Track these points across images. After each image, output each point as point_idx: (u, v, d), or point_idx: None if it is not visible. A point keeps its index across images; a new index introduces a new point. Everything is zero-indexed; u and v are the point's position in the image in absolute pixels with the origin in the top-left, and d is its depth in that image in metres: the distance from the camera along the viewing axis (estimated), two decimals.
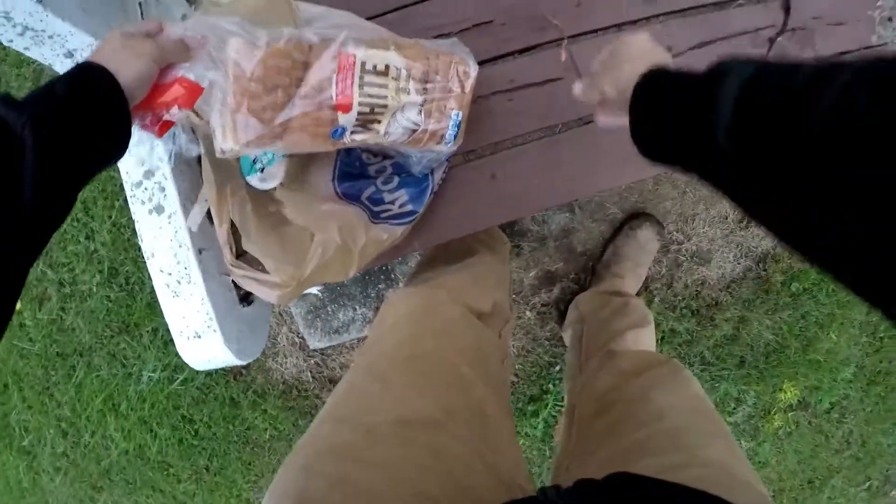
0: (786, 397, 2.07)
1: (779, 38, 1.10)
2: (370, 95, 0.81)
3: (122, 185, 1.82)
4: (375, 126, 0.84)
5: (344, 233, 0.91)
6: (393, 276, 1.74)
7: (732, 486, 0.72)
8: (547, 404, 1.97)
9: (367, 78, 0.80)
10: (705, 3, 1.08)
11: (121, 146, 0.68)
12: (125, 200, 1.83)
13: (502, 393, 0.93)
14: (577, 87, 0.82)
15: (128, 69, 0.65)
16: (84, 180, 0.64)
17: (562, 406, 1.98)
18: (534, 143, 1.05)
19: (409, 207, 0.95)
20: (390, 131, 0.85)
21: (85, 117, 0.61)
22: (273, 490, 0.65)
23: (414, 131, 0.87)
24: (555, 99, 1.05)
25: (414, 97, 0.84)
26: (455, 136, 0.91)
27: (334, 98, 0.78)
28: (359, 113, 0.80)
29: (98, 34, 0.83)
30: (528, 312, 1.90)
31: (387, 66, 0.81)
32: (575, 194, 1.07)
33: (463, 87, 0.89)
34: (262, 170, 0.89)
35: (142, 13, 0.95)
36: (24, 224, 0.55)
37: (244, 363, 1.01)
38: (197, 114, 0.83)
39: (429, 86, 0.86)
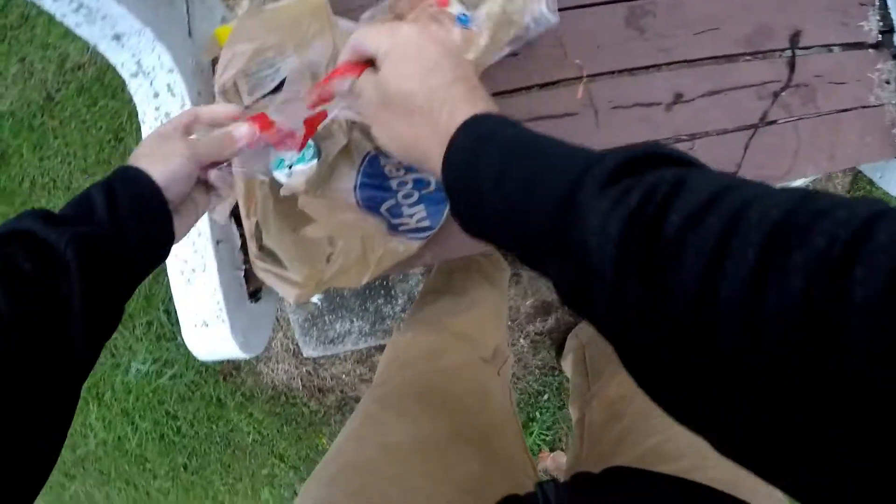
0: None
1: (783, 93, 1.13)
2: None
3: None
4: None
5: (365, 242, 0.94)
6: (393, 292, 1.77)
7: (756, 486, 0.67)
8: (532, 432, 1.99)
9: None
10: (715, 54, 1.12)
11: (165, 246, 0.65)
12: None
13: (508, 417, 0.96)
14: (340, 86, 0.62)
15: (159, 168, 0.62)
16: (132, 288, 0.62)
17: (546, 435, 2.01)
18: None
19: (427, 223, 0.98)
20: None
21: (126, 225, 0.58)
22: (301, 500, 0.72)
23: None
24: (570, 132, 1.07)
25: None
26: None
27: None
28: None
29: (148, 21, 0.85)
30: (521, 340, 1.92)
31: None
32: None
33: None
34: (290, 167, 0.91)
35: (187, 8, 0.98)
36: (77, 346, 0.52)
37: (246, 357, 1.02)
38: None
39: None
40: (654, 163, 0.39)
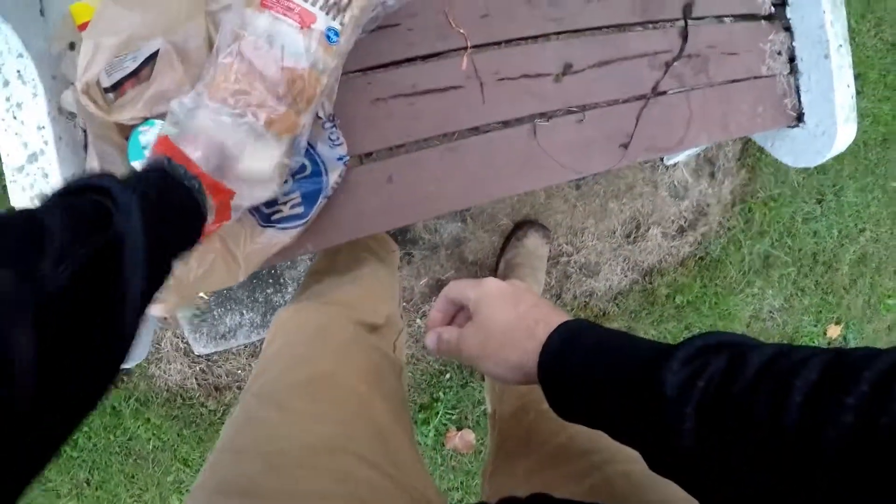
0: None
1: (675, 63, 1.14)
2: None
3: (6, 185, 1.72)
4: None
5: (227, 240, 0.88)
6: (282, 280, 1.73)
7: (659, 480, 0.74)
8: (437, 412, 1.99)
9: None
10: (606, 24, 1.11)
11: (199, 231, 0.70)
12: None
13: (401, 409, 0.93)
14: (431, 341, 0.74)
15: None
16: (174, 260, 0.62)
17: (452, 413, 2.01)
18: (432, 148, 1.04)
19: (300, 210, 0.93)
20: None
21: (177, 199, 0.65)
22: None
23: None
24: (455, 107, 1.05)
25: None
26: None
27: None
28: None
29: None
30: (418, 321, 1.91)
31: None
32: (470, 201, 1.07)
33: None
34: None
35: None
36: (140, 302, 0.51)
37: (128, 366, 0.97)
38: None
39: None
40: (716, 350, 0.49)
